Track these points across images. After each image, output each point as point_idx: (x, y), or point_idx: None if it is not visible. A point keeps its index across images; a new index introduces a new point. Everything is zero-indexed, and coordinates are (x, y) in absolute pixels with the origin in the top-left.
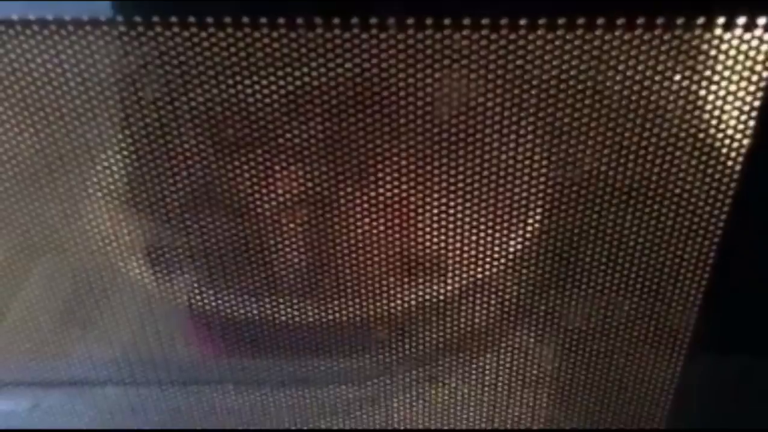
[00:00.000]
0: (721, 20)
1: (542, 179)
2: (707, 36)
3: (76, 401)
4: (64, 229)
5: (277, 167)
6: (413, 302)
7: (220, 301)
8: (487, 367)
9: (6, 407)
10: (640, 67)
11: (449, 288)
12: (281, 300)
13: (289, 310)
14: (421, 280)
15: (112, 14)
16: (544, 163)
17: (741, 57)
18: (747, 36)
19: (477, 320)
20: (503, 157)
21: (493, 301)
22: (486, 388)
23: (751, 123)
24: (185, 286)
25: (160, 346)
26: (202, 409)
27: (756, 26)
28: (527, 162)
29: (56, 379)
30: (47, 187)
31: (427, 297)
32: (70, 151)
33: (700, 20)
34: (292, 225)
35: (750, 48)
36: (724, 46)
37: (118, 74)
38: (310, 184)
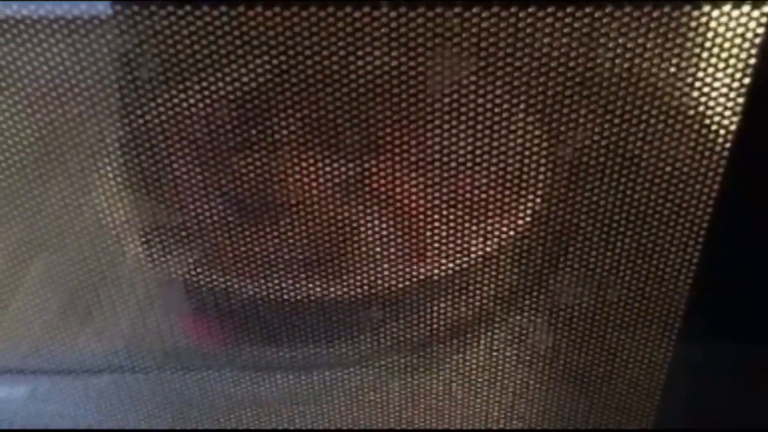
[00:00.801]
0: None
1: (534, 158)
2: (696, 13)
3: (73, 389)
4: (66, 216)
5: (275, 147)
6: (408, 282)
7: (219, 283)
8: (475, 357)
9: (3, 394)
10: (629, 45)
11: (441, 269)
12: (282, 279)
13: (289, 289)
14: (414, 260)
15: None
16: (536, 141)
17: (729, 34)
18: (735, 13)
19: (469, 303)
20: (495, 135)
21: (487, 284)
22: (472, 380)
23: (741, 100)
24: (185, 269)
25: (160, 333)
26: (202, 397)
27: (743, 2)
28: (519, 140)
29: (54, 367)
30: (52, 173)
31: (421, 277)
32: (72, 138)
33: None
34: (290, 205)
35: (738, 25)
36: (712, 24)
37: (117, 54)
38: (311, 162)
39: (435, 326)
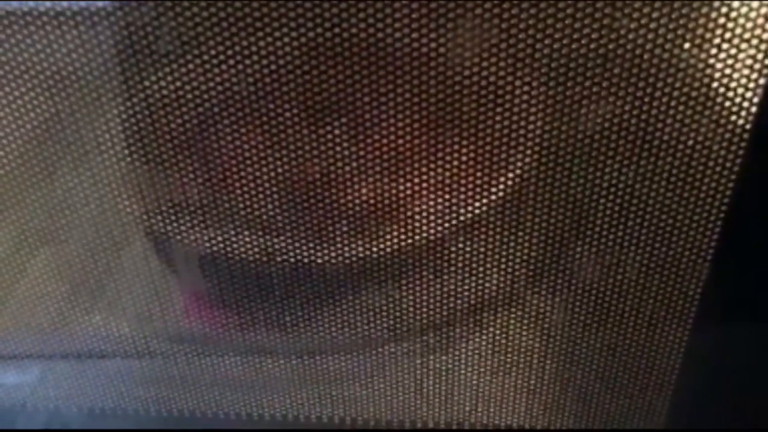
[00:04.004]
0: None
1: (554, 131)
2: None
3: (83, 372)
4: (72, 203)
5: (282, 120)
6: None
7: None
8: (480, 352)
9: (13, 380)
10: (651, 20)
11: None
12: (291, 246)
13: (300, 257)
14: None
15: None
16: (556, 115)
17: (745, 20)
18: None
19: (481, 286)
20: (515, 109)
21: (499, 261)
22: (479, 376)
23: (762, 81)
24: (196, 248)
25: (169, 316)
26: (210, 380)
27: None
28: (538, 113)
29: (64, 352)
30: (57, 161)
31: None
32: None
33: None
34: (297, 173)
35: (753, 9)
36: (733, 12)
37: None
38: (312, 128)
39: (450, 307)
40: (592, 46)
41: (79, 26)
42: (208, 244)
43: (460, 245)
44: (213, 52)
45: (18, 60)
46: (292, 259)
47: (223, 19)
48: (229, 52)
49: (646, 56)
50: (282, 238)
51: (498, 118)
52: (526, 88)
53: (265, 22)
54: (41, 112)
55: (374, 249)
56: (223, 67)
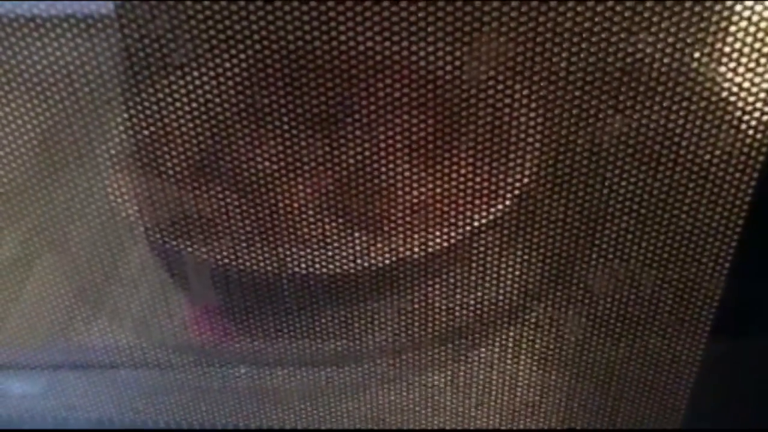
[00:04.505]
0: None
1: (568, 143)
2: (719, 7)
3: (90, 383)
4: (76, 211)
5: (284, 131)
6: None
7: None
8: (497, 354)
9: (20, 390)
10: (669, 32)
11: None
12: (296, 257)
13: (307, 269)
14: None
15: None
16: (569, 126)
17: (754, 29)
18: (759, 7)
19: (496, 294)
20: (522, 119)
21: (513, 273)
22: (494, 376)
23: None
24: (203, 259)
25: (173, 328)
26: (217, 391)
27: None
28: (545, 124)
29: (70, 362)
30: (61, 169)
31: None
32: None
33: None
34: (302, 188)
35: (762, 19)
36: (742, 21)
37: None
38: (318, 137)
39: (466, 314)
40: (601, 57)
41: (85, 33)
42: (213, 256)
43: (478, 251)
44: (217, 61)
45: (22, 67)
46: (297, 271)
47: (229, 27)
48: (234, 61)
49: (661, 69)
50: (286, 249)
51: (504, 127)
52: (540, 102)
53: (271, 31)
54: (44, 120)
55: (366, 263)
56: (228, 75)
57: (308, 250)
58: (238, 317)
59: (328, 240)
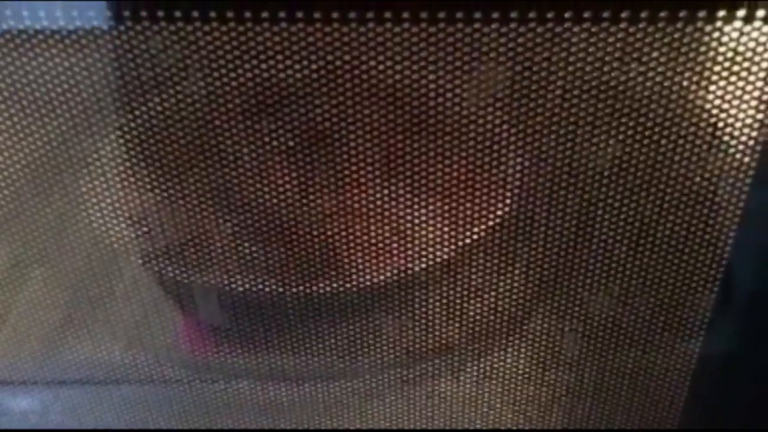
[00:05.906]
0: (721, 13)
1: (561, 168)
2: (708, 28)
3: (89, 401)
4: (70, 225)
5: (278, 157)
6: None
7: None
8: (499, 360)
9: (20, 406)
10: (644, 59)
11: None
12: (291, 282)
13: (299, 294)
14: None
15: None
16: (563, 150)
17: (743, 49)
18: (747, 28)
19: (492, 305)
20: (514, 146)
21: (510, 289)
22: (496, 382)
23: (759, 116)
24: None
25: (168, 343)
26: (212, 406)
27: (755, 18)
28: (537, 152)
29: (69, 379)
30: (49, 186)
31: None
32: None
33: (702, 13)
34: (292, 210)
35: (750, 39)
36: (728, 40)
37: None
38: (301, 171)
39: (468, 327)
40: (594, 86)
41: (85, 48)
42: (205, 278)
43: (474, 265)
44: (208, 80)
45: (22, 82)
46: (290, 290)
47: (227, 42)
48: (232, 75)
49: (646, 95)
50: (280, 271)
51: (494, 147)
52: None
53: (277, 50)
54: (38, 137)
55: (351, 284)
56: (212, 97)
57: (296, 269)
58: (229, 332)
59: (317, 259)
